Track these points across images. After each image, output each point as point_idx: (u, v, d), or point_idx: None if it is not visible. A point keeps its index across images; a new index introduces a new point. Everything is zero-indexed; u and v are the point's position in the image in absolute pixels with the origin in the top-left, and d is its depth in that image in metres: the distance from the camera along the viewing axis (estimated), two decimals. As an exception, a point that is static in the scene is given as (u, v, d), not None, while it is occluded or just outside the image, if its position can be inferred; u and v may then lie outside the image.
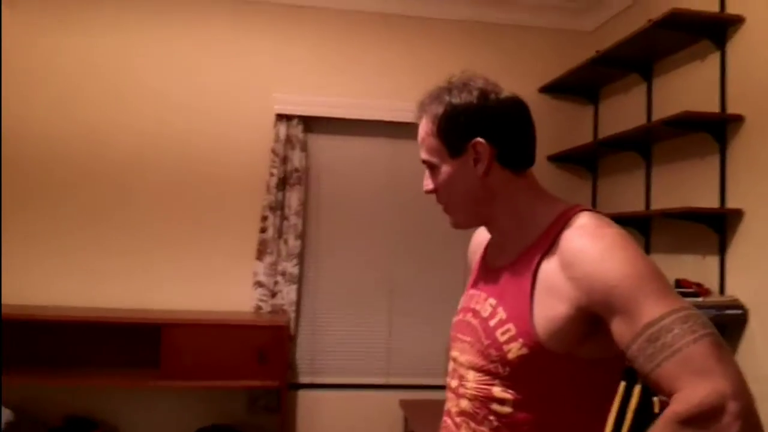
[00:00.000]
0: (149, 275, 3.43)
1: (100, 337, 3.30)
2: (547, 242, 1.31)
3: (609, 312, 1.18)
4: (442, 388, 2.96)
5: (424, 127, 1.41)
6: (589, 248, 1.22)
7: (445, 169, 1.40)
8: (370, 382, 3.61)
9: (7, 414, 3.04)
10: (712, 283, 2.62)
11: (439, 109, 1.39)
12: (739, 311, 2.42)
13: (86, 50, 3.45)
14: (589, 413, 1.34)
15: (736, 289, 2.51)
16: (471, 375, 1.38)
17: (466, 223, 1.49)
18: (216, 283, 3.47)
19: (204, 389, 3.34)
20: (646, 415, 2.25)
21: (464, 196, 1.41)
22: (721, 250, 2.59)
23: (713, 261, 2.63)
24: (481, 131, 1.38)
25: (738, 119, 2.52)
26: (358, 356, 3.63)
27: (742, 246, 2.51)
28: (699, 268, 2.70)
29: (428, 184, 1.45)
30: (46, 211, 3.38)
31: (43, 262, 3.35)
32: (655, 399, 2.27)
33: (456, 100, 1.38)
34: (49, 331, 3.26)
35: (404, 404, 3.46)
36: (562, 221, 1.31)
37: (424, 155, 1.42)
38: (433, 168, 1.42)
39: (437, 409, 2.51)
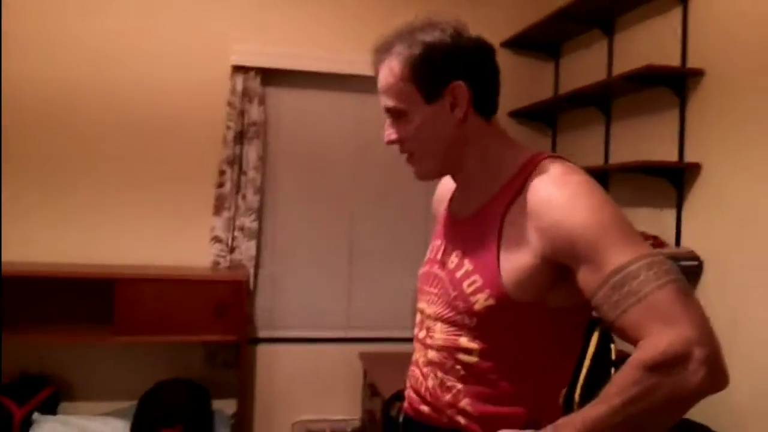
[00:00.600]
0: (104, 230, 3.34)
1: (54, 292, 3.21)
2: (513, 191, 1.29)
3: (575, 260, 1.17)
4: (402, 340, 3.01)
5: (393, 72, 1.32)
6: (555, 197, 1.21)
7: (418, 115, 1.32)
8: (330, 335, 3.61)
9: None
10: (668, 236, 2.67)
11: (413, 51, 1.30)
12: (695, 262, 2.48)
13: (39, 7, 3.27)
14: (554, 362, 1.34)
15: (692, 241, 2.57)
16: (438, 326, 1.38)
17: (434, 173, 1.44)
18: (173, 238, 3.40)
19: (161, 344, 3.29)
20: (603, 361, 2.30)
21: (437, 144, 1.35)
22: (678, 204, 2.64)
23: (670, 214, 2.68)
24: (459, 73, 1.31)
25: (698, 73, 2.55)
26: (318, 310, 3.62)
27: (698, 199, 2.56)
28: (656, 221, 2.75)
29: (391, 134, 1.37)
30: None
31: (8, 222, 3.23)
32: (612, 346, 2.32)
33: (430, 40, 1.30)
34: (2, 286, 3.16)
35: (363, 356, 3.48)
36: (528, 169, 1.30)
37: (390, 102, 1.33)
38: (400, 116, 1.34)
39: (396, 360, 2.55)
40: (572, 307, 1.29)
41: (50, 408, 3.17)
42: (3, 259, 3.16)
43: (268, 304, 3.55)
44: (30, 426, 2.96)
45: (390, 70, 1.32)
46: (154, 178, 3.39)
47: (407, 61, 1.30)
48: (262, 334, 3.55)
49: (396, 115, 1.34)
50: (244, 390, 3.30)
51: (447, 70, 1.30)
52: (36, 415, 3.02)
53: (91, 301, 3.16)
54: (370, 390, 3.36)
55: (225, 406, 3.32)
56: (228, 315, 3.10)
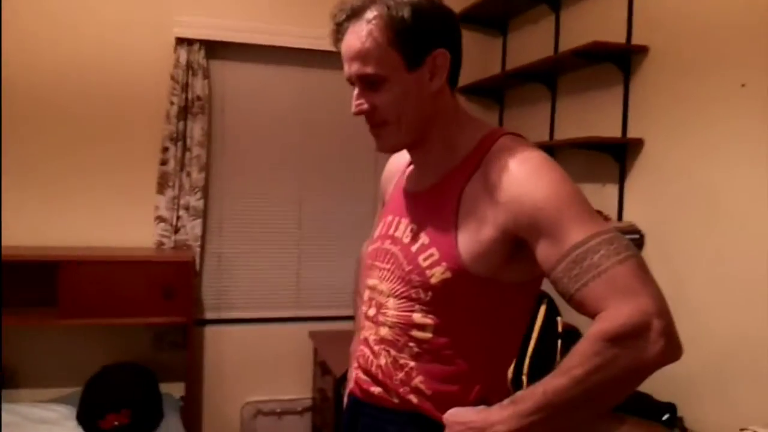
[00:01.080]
0: (44, 210, 3.21)
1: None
2: (472, 165, 1.28)
3: (534, 234, 1.17)
4: (352, 318, 2.97)
5: (372, 36, 1.24)
6: (515, 171, 1.20)
7: (397, 84, 1.26)
8: (279, 315, 3.58)
9: None
10: (611, 210, 2.72)
11: (399, 13, 1.23)
12: (636, 236, 2.54)
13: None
14: (506, 335, 1.36)
15: (634, 215, 2.63)
16: (391, 302, 1.36)
17: (401, 145, 1.39)
18: (115, 218, 3.30)
19: (106, 326, 3.20)
20: (549, 334, 2.35)
21: (412, 113, 1.30)
22: (621, 179, 2.69)
23: (613, 189, 2.74)
24: (441, 40, 1.27)
25: (642, 50, 2.58)
26: (267, 290, 3.58)
27: (640, 174, 2.62)
28: (600, 196, 2.79)
29: (362, 103, 1.29)
30: None
31: None
32: (558, 318, 2.37)
33: (415, 2, 1.24)
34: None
35: (313, 335, 3.47)
36: (487, 144, 1.29)
37: (367, 69, 1.25)
38: (375, 84, 1.26)
39: (347, 339, 2.52)
40: (526, 281, 1.30)
41: (-10, 395, 3.06)
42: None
43: (215, 285, 3.50)
44: (-31, 415, 2.85)
45: (368, 34, 1.24)
46: (95, 156, 3.27)
47: (391, 24, 1.23)
48: (210, 315, 3.49)
49: (371, 82, 1.27)
50: (192, 372, 3.25)
51: (432, 36, 1.26)
52: (-24, 403, 2.92)
53: (33, 284, 3.05)
54: (321, 368, 3.36)
55: (173, 389, 3.28)
56: (175, 296, 3.04)
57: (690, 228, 2.35)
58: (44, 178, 3.21)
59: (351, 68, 1.27)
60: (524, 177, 1.19)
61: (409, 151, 1.42)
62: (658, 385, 2.30)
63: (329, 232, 3.64)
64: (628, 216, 2.66)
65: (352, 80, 1.30)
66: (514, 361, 1.34)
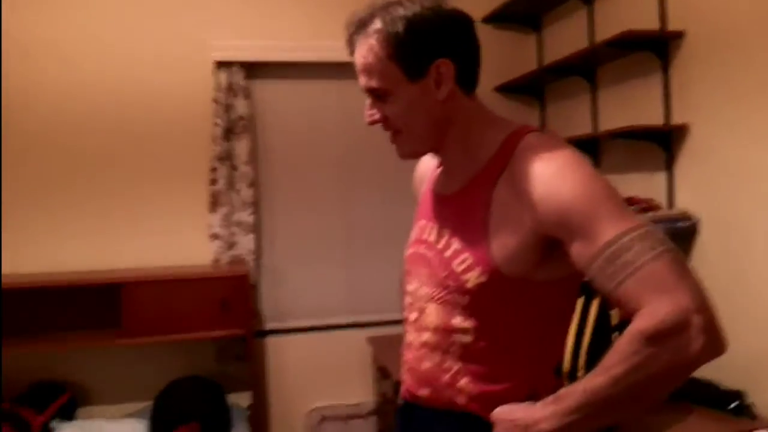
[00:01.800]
0: (104, 236, 3.36)
1: (59, 300, 3.23)
2: (499, 167, 1.28)
3: (566, 234, 1.17)
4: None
5: (372, 51, 1.28)
6: (542, 171, 1.20)
7: (401, 95, 1.30)
8: (336, 322, 3.65)
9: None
10: (661, 198, 2.69)
11: (394, 27, 1.25)
12: (690, 222, 2.50)
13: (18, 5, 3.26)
14: (548, 333, 1.35)
15: (685, 202, 2.60)
16: (431, 307, 1.37)
17: (418, 152, 1.43)
18: (171, 238, 3.42)
19: (169, 343, 3.32)
20: (604, 328, 2.33)
21: (422, 122, 1.32)
22: (668, 166, 2.66)
23: (661, 177, 2.71)
24: (442, 49, 1.28)
25: (679, 35, 2.55)
26: (322, 298, 3.66)
27: (688, 159, 2.58)
28: (648, 184, 2.77)
29: (373, 114, 1.35)
30: (13, 179, 3.26)
31: (10, 233, 3.26)
32: (613, 312, 2.36)
33: (411, 15, 1.26)
34: (6, 298, 3.19)
35: (371, 340, 3.52)
36: (512, 144, 1.29)
37: (372, 83, 1.30)
38: (382, 96, 1.31)
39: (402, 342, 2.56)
40: (564, 277, 1.29)
41: (68, 414, 3.21)
42: (6, 272, 3.19)
43: (272, 296, 3.59)
44: (50, 433, 3.00)
45: (369, 49, 1.28)
46: (147, 180, 3.40)
47: (388, 38, 1.26)
48: (269, 326, 3.58)
49: (378, 94, 1.32)
50: (256, 382, 3.34)
51: (430, 47, 1.27)
52: (55, 423, 3.07)
53: (96, 306, 3.19)
54: (381, 373, 3.41)
55: (240, 400, 3.37)
56: (233, 309, 3.13)
57: (746, 210, 2.31)
58: (102, 204, 3.36)
59: (360, 81, 1.32)
60: (551, 176, 1.19)
61: (435, 154, 1.44)
62: (723, 372, 2.26)
63: (377, 238, 3.69)
64: (680, 203, 2.62)
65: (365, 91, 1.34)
66: (566, 356, 1.34)
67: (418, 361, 1.41)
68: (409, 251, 1.50)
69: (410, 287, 1.46)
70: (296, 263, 3.61)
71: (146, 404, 3.18)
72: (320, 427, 3.60)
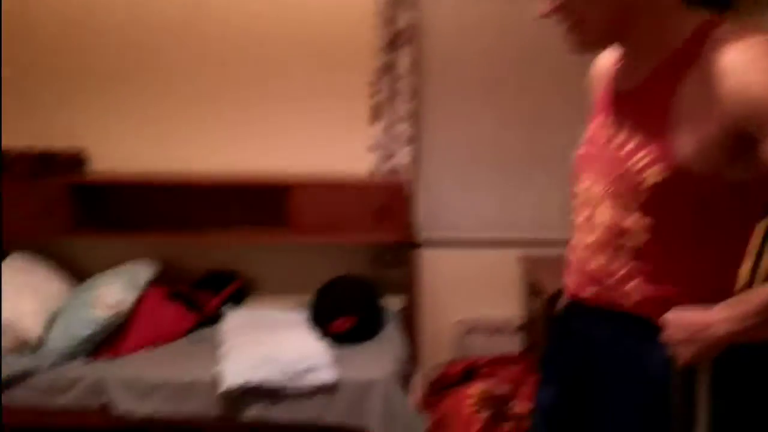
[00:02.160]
0: (275, 142, 3.57)
1: (235, 198, 3.52)
2: (687, 57, 1.22)
3: (759, 129, 1.10)
4: (562, 243, 2.95)
5: None
6: (737, 60, 1.12)
7: None
8: (489, 237, 3.67)
9: (154, 267, 3.35)
10: None
11: None
12: None
13: None
14: (729, 235, 1.29)
15: None
16: (603, 206, 1.34)
17: (596, 44, 1.37)
18: (334, 148, 3.56)
19: (331, 244, 3.52)
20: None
21: (602, 9, 1.26)
22: None
23: None
24: None
25: None
26: (476, 213, 3.67)
27: None
28: None
29: (550, 3, 1.30)
30: (191, 87, 3.53)
31: (186, 134, 3.56)
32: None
33: None
34: (190, 193, 3.51)
35: (523, 258, 3.52)
36: (703, 33, 1.21)
37: None
38: None
39: (557, 262, 2.52)
40: (752, 180, 1.22)
41: (237, 301, 3.52)
42: (191, 169, 3.49)
43: (427, 209, 3.66)
44: (221, 316, 3.32)
45: None
46: (314, 91, 3.53)
47: None
48: (423, 238, 3.67)
49: None
50: (407, 289, 3.46)
51: None
52: (226, 307, 3.38)
53: (267, 205, 3.42)
54: (531, 290, 3.41)
55: (392, 303, 3.53)
56: (389, 218, 3.24)
57: None
58: (275, 112, 3.54)
59: None
60: (748, 66, 1.11)
61: (615, 46, 1.38)
62: None
63: (540, 156, 3.62)
64: None
65: None
66: (748, 263, 1.27)
67: (586, 262, 1.40)
68: (582, 150, 1.47)
69: (582, 186, 1.44)
70: (453, 177, 3.64)
71: (307, 297, 3.42)
72: (466, 338, 3.69)
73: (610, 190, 1.33)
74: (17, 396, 2.76)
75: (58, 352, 2.83)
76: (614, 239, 1.33)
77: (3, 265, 3.21)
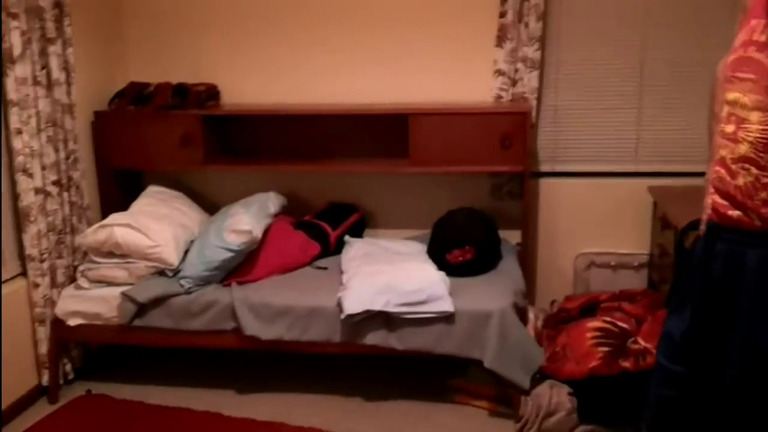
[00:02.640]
0: (392, 70, 3.54)
1: (354, 129, 3.54)
2: None
3: None
4: (693, 174, 2.79)
5: None
6: None
7: None
8: (616, 169, 3.51)
9: (280, 198, 3.47)
10: None
11: None
12: None
13: None
14: None
15: None
16: (755, 116, 1.26)
17: None
18: (456, 73, 3.49)
19: (450, 174, 3.49)
20: None
21: None
22: None
23: None
24: None
25: None
26: (604, 143, 3.51)
27: None
28: None
29: None
30: (302, 25, 3.56)
31: (303, 67, 3.61)
32: None
33: None
34: (313, 125, 3.59)
35: (653, 190, 3.34)
36: None
37: None
38: None
39: (689, 194, 2.37)
40: None
41: (357, 232, 3.59)
42: (318, 102, 3.55)
43: (551, 138, 3.53)
44: (343, 245, 3.40)
45: None
46: (437, 12, 3.45)
47: None
48: (545, 167, 3.56)
49: None
50: (527, 221, 3.38)
51: None
52: (347, 237, 3.46)
53: (387, 136, 3.42)
54: (661, 223, 3.24)
55: (510, 236, 3.48)
56: (512, 147, 3.16)
57: None
58: (394, 40, 3.51)
59: None
60: None
61: None
62: None
63: (673, 84, 3.38)
64: None
65: None
66: None
67: (731, 178, 1.31)
68: (733, 56, 1.35)
69: (731, 96, 1.34)
70: (579, 105, 3.48)
71: (425, 232, 3.43)
72: (587, 272, 3.59)
73: (764, 99, 1.23)
74: (156, 318, 2.98)
75: (193, 278, 3.01)
76: (763, 153, 1.24)
77: (142, 195, 3.43)
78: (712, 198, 1.40)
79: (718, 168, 1.37)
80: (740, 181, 1.29)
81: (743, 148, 1.28)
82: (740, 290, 1.34)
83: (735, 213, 1.32)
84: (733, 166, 1.31)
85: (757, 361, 1.32)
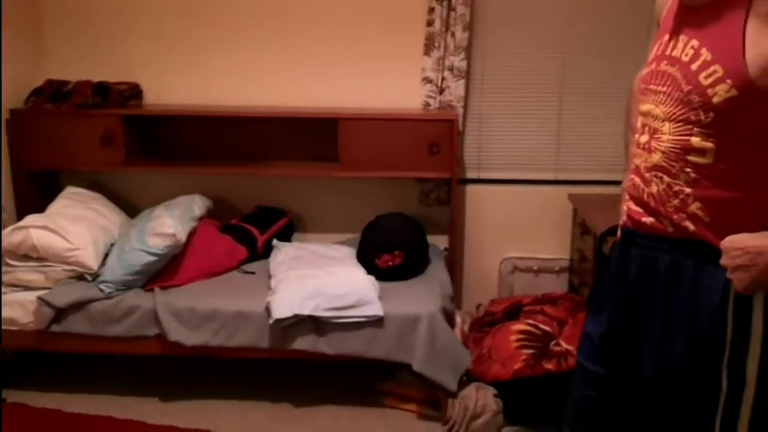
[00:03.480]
0: (322, 74, 3.53)
1: (284, 132, 3.52)
2: None
3: None
4: (613, 183, 2.89)
5: None
6: None
7: None
8: (538, 177, 3.62)
9: (206, 201, 3.41)
10: None
11: None
12: None
13: None
14: None
15: None
16: (666, 126, 1.32)
17: None
18: (385, 80, 3.51)
19: (379, 179, 3.52)
20: None
21: None
22: None
23: None
24: None
25: None
26: (526, 151, 3.61)
27: None
28: None
29: None
30: (233, 26, 3.52)
31: (233, 69, 3.55)
32: None
33: None
34: (241, 127, 3.53)
35: (573, 197, 3.46)
36: None
37: None
38: None
39: (608, 201, 2.46)
40: None
41: (285, 237, 3.57)
42: (243, 105, 3.50)
43: (476, 145, 3.61)
44: (271, 249, 3.37)
45: None
46: (366, 20, 3.47)
47: None
48: (470, 174, 3.64)
49: None
50: (454, 226, 3.45)
51: None
52: (275, 241, 3.43)
53: (317, 140, 3.42)
54: (581, 228, 3.37)
55: (437, 242, 3.53)
56: (439, 153, 3.21)
57: None
58: (322, 45, 3.50)
59: None
60: None
61: None
62: None
63: (593, 94, 3.51)
64: None
65: None
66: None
67: (645, 186, 1.38)
68: (647, 70, 1.43)
69: (644, 107, 1.41)
70: (504, 112, 3.57)
71: (354, 236, 3.44)
72: (511, 276, 3.69)
73: (675, 110, 1.30)
74: (75, 324, 2.88)
75: (113, 282, 2.92)
76: (675, 162, 1.31)
77: (59, 196, 3.31)
78: (628, 205, 1.46)
79: (632, 176, 1.44)
80: (653, 188, 1.36)
81: (656, 157, 1.35)
82: (653, 294, 1.40)
83: (649, 219, 1.38)
84: (647, 175, 1.37)
85: (668, 363, 1.39)
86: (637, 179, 1.41)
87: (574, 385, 1.67)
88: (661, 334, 1.39)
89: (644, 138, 1.39)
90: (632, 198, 1.44)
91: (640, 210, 1.40)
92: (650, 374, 1.42)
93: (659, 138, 1.34)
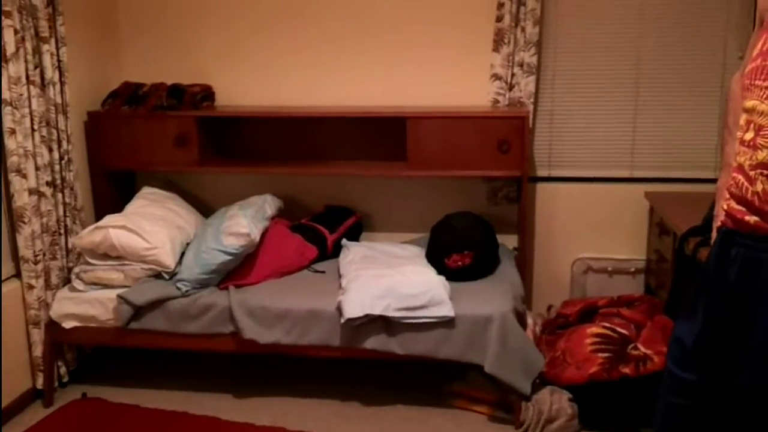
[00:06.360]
0: (390, 73, 3.53)
1: (352, 132, 3.52)
2: None
3: None
4: (690, 181, 2.77)
5: None
6: None
7: None
8: (612, 174, 3.51)
9: (277, 201, 3.45)
10: None
11: None
12: None
13: None
14: None
15: None
16: None
17: None
18: (453, 77, 3.48)
19: (447, 178, 3.49)
20: None
21: None
22: None
23: None
24: None
25: None
26: (600, 148, 3.51)
27: None
28: None
29: None
30: (301, 28, 3.55)
31: (301, 70, 3.58)
32: None
33: None
34: (310, 127, 3.57)
35: (650, 195, 3.35)
36: None
37: None
38: None
39: (687, 199, 2.35)
40: None
41: (354, 236, 3.57)
42: (312, 103, 3.52)
43: (547, 142, 3.53)
44: (340, 248, 3.38)
45: None
46: (432, 19, 3.44)
47: None
48: (541, 172, 3.57)
49: None
50: (524, 225, 3.38)
51: None
52: (344, 241, 3.44)
53: (385, 139, 3.41)
54: (659, 228, 3.25)
55: (507, 241, 3.48)
56: (509, 151, 3.15)
57: None
58: (392, 43, 3.50)
59: None
60: None
61: None
62: None
63: (670, 90, 3.39)
64: None
65: None
66: None
67: (750, 183, 1.32)
68: (751, 65, 1.36)
69: (749, 103, 1.34)
70: (575, 109, 3.48)
71: (422, 235, 3.42)
72: (584, 277, 3.60)
73: None
74: (152, 321, 2.95)
75: (190, 281, 2.98)
76: None
77: (137, 196, 3.40)
78: (728, 204, 1.40)
79: (735, 174, 1.37)
80: (758, 187, 1.30)
81: (762, 155, 1.29)
82: (756, 296, 1.34)
83: (752, 218, 1.32)
84: (752, 173, 1.31)
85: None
86: (740, 177, 1.35)
87: (663, 392, 1.60)
88: (763, 338, 1.32)
89: (749, 135, 1.33)
90: (733, 196, 1.37)
91: (743, 209, 1.34)
92: (750, 381, 1.35)
93: (765, 135, 1.27)
